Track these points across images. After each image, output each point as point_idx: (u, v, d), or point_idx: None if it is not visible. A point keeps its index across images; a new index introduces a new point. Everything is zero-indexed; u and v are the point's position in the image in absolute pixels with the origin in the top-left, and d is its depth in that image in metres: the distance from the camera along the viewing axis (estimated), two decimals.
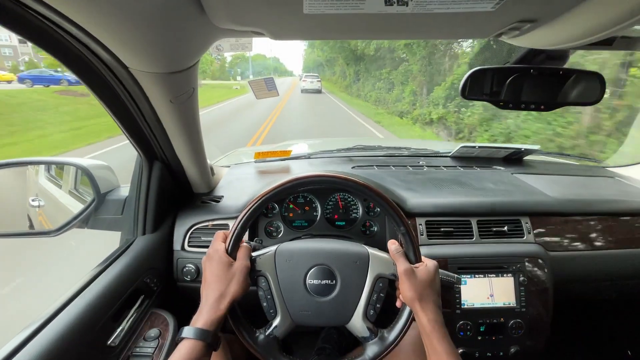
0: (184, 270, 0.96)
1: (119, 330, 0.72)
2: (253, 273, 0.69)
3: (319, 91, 22.14)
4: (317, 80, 22.36)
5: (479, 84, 0.78)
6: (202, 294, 0.62)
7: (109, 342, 0.69)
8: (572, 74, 0.72)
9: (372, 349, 0.67)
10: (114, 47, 0.48)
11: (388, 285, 0.70)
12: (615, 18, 0.45)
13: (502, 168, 1.37)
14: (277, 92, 0.94)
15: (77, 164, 0.92)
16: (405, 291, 0.64)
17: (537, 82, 0.75)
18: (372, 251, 0.72)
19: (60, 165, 1.14)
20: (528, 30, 0.53)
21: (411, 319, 0.67)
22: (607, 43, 0.63)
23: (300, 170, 1.32)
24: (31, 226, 1.04)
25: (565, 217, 1.05)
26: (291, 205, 1.09)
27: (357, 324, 0.68)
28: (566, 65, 0.75)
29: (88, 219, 0.93)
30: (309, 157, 1.45)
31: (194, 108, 0.77)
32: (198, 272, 0.96)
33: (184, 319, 0.85)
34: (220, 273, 0.61)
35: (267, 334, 0.67)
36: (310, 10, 0.44)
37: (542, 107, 0.76)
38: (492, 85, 0.77)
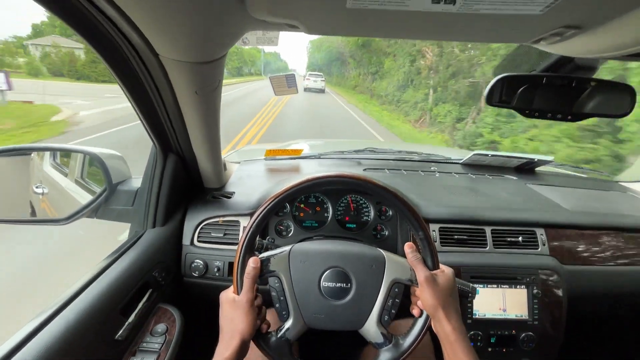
0: (192, 265, 0.95)
1: (127, 323, 0.70)
2: (266, 273, 0.67)
3: (322, 90, 22.02)
4: (321, 80, 22.22)
5: (506, 91, 0.76)
6: (220, 327, 0.65)
7: (116, 336, 0.67)
8: (602, 85, 0.71)
9: (385, 355, 0.65)
10: (148, 33, 0.47)
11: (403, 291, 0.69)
12: None
13: (514, 177, 1.35)
14: (296, 90, 0.93)
15: (90, 152, 0.91)
16: (427, 299, 0.62)
17: (565, 91, 0.73)
18: (389, 255, 0.70)
19: (68, 153, 1.12)
20: (569, 37, 0.52)
21: (428, 326, 0.66)
22: None
23: (310, 170, 1.31)
24: (33, 213, 1.03)
25: (581, 230, 1.04)
26: (302, 205, 1.07)
27: (371, 329, 0.67)
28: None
29: (98, 208, 0.91)
30: (319, 157, 1.44)
31: (216, 101, 0.76)
32: (206, 268, 0.95)
33: (190, 315, 0.84)
34: (227, 312, 0.64)
35: (279, 336, 0.66)
36: (353, 5, 0.43)
37: (569, 117, 0.74)
38: (519, 93, 0.75)
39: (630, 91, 0.72)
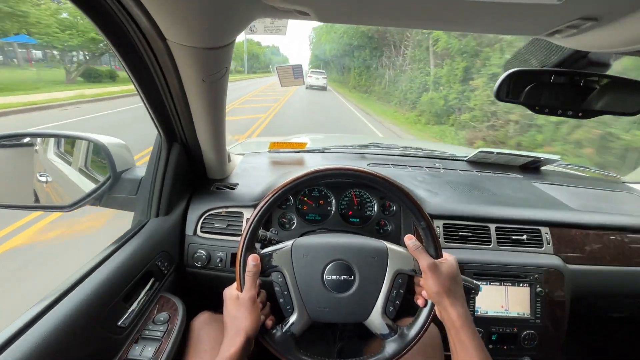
0: (195, 255, 0.95)
1: (129, 311, 0.71)
2: (269, 268, 0.68)
3: (324, 88, 22.11)
4: (323, 77, 22.36)
5: (516, 87, 0.75)
6: (224, 324, 0.65)
7: (119, 323, 0.67)
8: (617, 82, 0.69)
9: (391, 346, 0.65)
10: (157, 16, 0.46)
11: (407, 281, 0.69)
12: None
13: (520, 176, 1.34)
14: (303, 81, 0.92)
15: (94, 139, 0.90)
16: (432, 286, 0.62)
17: (577, 88, 0.72)
18: (391, 246, 0.70)
19: (72, 141, 1.12)
20: (585, 29, 0.51)
21: (432, 315, 0.66)
22: None
23: (314, 163, 1.30)
24: (37, 200, 1.03)
25: (586, 230, 1.03)
26: (305, 198, 1.07)
27: (376, 320, 0.67)
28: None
29: (102, 196, 0.91)
30: (323, 151, 1.43)
31: (223, 89, 0.75)
32: (209, 258, 0.95)
33: (191, 305, 0.84)
34: (231, 310, 0.64)
35: (284, 330, 0.66)
36: None
37: (580, 114, 0.73)
38: (530, 89, 0.74)
39: None
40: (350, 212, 1.07)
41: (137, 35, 0.53)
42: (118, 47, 0.54)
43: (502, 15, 0.48)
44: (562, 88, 0.72)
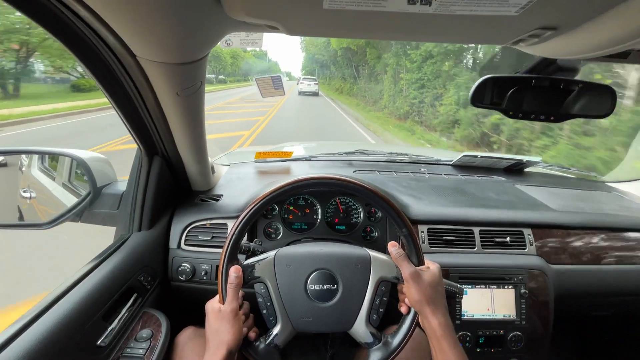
0: (179, 269, 0.94)
1: (109, 329, 0.69)
2: (251, 280, 0.67)
3: (316, 94, 22.60)
4: (315, 83, 22.91)
5: (490, 92, 0.77)
6: (206, 338, 0.64)
7: (98, 342, 0.66)
8: (584, 86, 0.72)
9: (376, 354, 0.65)
10: (124, 34, 0.46)
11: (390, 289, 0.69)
12: (635, 31, 0.44)
13: (503, 178, 1.36)
14: (283, 92, 0.93)
15: (73, 155, 0.90)
16: (413, 294, 0.62)
17: (548, 93, 0.74)
18: (374, 254, 0.71)
19: (55, 157, 1.11)
20: (547, 38, 0.52)
21: (415, 323, 0.66)
22: (622, 56, 0.63)
23: (300, 172, 1.30)
24: (21, 217, 1.01)
25: (567, 230, 1.04)
26: (291, 207, 1.07)
27: (360, 329, 0.67)
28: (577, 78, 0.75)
29: (82, 212, 0.90)
30: (310, 160, 1.43)
31: (199, 102, 0.75)
32: (194, 272, 0.94)
33: (176, 320, 0.83)
34: (213, 323, 0.63)
35: (267, 342, 0.65)
36: (330, 6, 0.43)
37: (552, 118, 0.75)
38: (501, 94, 0.76)
39: (611, 92, 0.73)
40: (337, 220, 1.07)
41: (106, 52, 0.53)
42: (89, 66, 0.54)
43: (467, 27, 0.50)
44: (534, 93, 0.74)
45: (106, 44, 0.51)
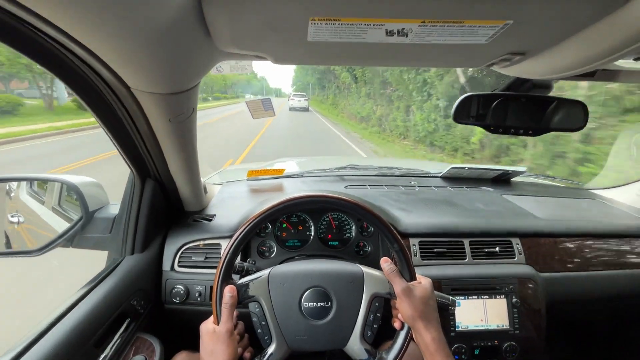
0: (173, 291, 0.93)
1: (102, 357, 0.68)
2: (246, 299, 0.67)
3: (306, 109, 23.97)
4: (305, 99, 24.26)
5: (470, 109, 0.81)
6: (201, 359, 0.65)
7: None
8: (558, 102, 0.76)
9: None
10: (118, 68, 0.49)
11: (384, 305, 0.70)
12: (597, 54, 0.48)
13: (491, 189, 1.40)
14: (273, 113, 0.95)
15: (66, 181, 0.90)
16: (406, 310, 0.63)
17: (525, 109, 0.78)
18: (367, 270, 0.72)
19: (47, 182, 1.10)
20: (517, 61, 0.56)
21: (409, 338, 0.67)
22: (589, 75, 0.67)
23: (293, 189, 1.32)
24: (8, 244, 0.99)
25: (553, 237, 1.07)
26: (284, 225, 1.08)
27: (355, 346, 0.67)
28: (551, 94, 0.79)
29: (74, 237, 0.89)
30: (302, 176, 1.45)
31: (192, 127, 0.77)
32: (188, 293, 0.93)
33: (170, 344, 0.82)
34: (207, 345, 0.63)
35: None
36: (314, 39, 0.46)
37: (530, 132, 0.79)
38: (481, 111, 0.80)
39: (583, 106, 0.77)
40: (330, 236, 1.08)
41: (101, 84, 0.55)
42: (84, 96, 0.55)
43: (443, 53, 0.53)
44: (513, 109, 0.78)
45: (101, 77, 0.53)
